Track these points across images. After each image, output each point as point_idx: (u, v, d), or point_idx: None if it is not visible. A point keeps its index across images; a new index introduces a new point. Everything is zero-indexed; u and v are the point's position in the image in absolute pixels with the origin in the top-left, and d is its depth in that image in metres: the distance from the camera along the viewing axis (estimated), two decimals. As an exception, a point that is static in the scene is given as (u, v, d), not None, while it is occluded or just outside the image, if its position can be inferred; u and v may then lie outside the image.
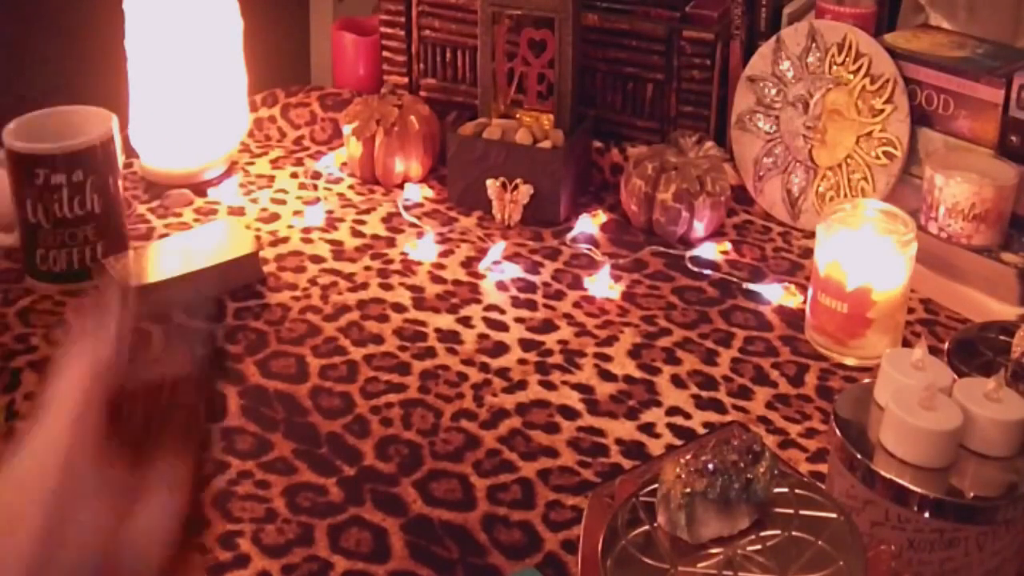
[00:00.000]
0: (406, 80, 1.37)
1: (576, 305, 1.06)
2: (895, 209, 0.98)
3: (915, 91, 1.12)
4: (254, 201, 1.24)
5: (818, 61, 1.16)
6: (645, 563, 0.57)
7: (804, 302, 1.03)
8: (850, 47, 1.14)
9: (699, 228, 1.16)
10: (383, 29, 1.37)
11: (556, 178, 1.18)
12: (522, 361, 0.98)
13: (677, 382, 0.96)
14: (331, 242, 1.16)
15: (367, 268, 1.11)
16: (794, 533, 0.59)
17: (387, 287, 1.08)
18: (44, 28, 1.80)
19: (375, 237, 1.17)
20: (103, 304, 0.57)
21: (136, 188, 1.25)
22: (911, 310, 1.04)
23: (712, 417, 0.92)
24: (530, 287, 1.09)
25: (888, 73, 1.12)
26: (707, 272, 1.12)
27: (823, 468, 0.81)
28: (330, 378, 0.95)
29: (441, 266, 1.12)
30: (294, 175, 1.30)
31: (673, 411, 0.92)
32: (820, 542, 0.58)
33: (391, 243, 1.16)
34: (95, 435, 0.51)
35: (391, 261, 1.13)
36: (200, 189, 1.25)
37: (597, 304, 1.06)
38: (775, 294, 1.08)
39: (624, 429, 0.90)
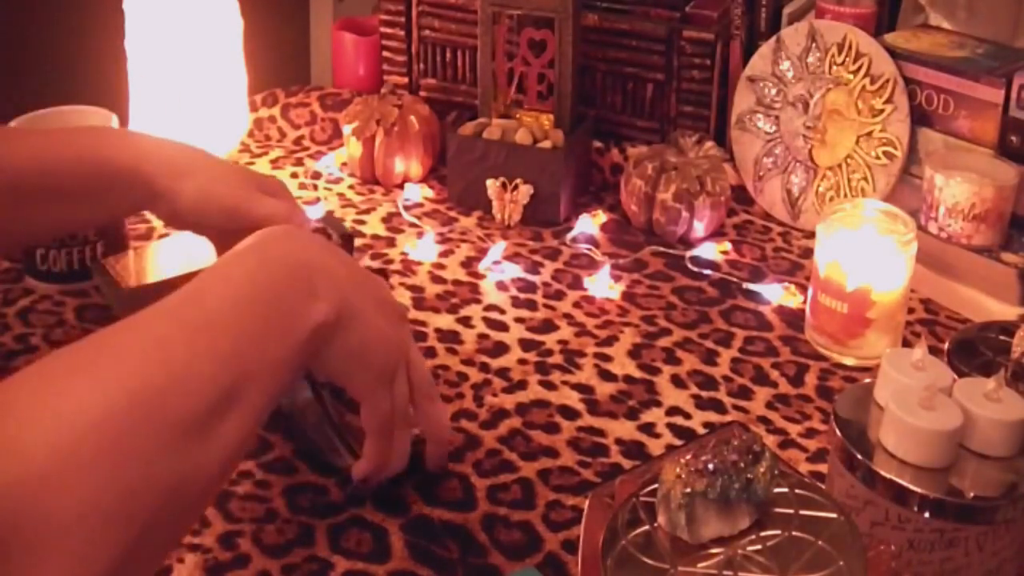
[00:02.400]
0: (406, 80, 1.38)
1: (576, 305, 1.06)
2: (895, 209, 0.98)
3: (915, 91, 1.12)
4: (254, 201, 1.24)
5: (818, 61, 1.16)
6: (645, 563, 0.57)
7: (804, 302, 1.03)
8: (850, 47, 1.14)
9: (699, 228, 1.16)
10: (383, 29, 1.37)
11: (556, 178, 1.18)
12: (522, 361, 0.98)
13: (677, 382, 0.96)
14: (331, 242, 1.16)
15: (367, 268, 1.11)
16: (794, 533, 0.59)
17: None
18: (44, 28, 1.80)
19: (375, 237, 1.17)
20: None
21: (136, 188, 1.25)
22: (911, 310, 1.04)
23: (712, 417, 0.92)
24: (530, 287, 1.09)
25: (888, 73, 1.12)
26: (707, 272, 1.12)
27: (823, 468, 0.81)
28: (330, 378, 0.95)
29: (441, 266, 1.12)
30: (294, 175, 1.30)
31: (673, 411, 0.92)
32: (820, 542, 0.58)
33: (391, 243, 1.16)
34: None
35: (391, 261, 1.13)
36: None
37: (597, 304, 1.06)
38: (775, 294, 1.08)
39: (624, 429, 0.90)
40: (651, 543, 0.59)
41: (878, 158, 1.14)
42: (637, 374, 0.96)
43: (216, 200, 0.88)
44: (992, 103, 1.07)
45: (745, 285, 1.09)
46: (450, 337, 1.01)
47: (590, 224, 1.19)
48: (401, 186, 1.27)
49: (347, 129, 1.28)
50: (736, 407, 0.93)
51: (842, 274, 0.96)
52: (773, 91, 1.19)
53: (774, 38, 1.19)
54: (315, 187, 1.27)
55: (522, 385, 0.95)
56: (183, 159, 0.89)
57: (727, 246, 1.16)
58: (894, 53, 1.13)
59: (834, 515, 0.60)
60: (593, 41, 1.26)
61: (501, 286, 1.09)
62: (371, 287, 0.74)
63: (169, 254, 1.09)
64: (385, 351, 0.73)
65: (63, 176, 0.85)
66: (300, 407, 0.84)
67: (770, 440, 0.88)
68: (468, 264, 1.12)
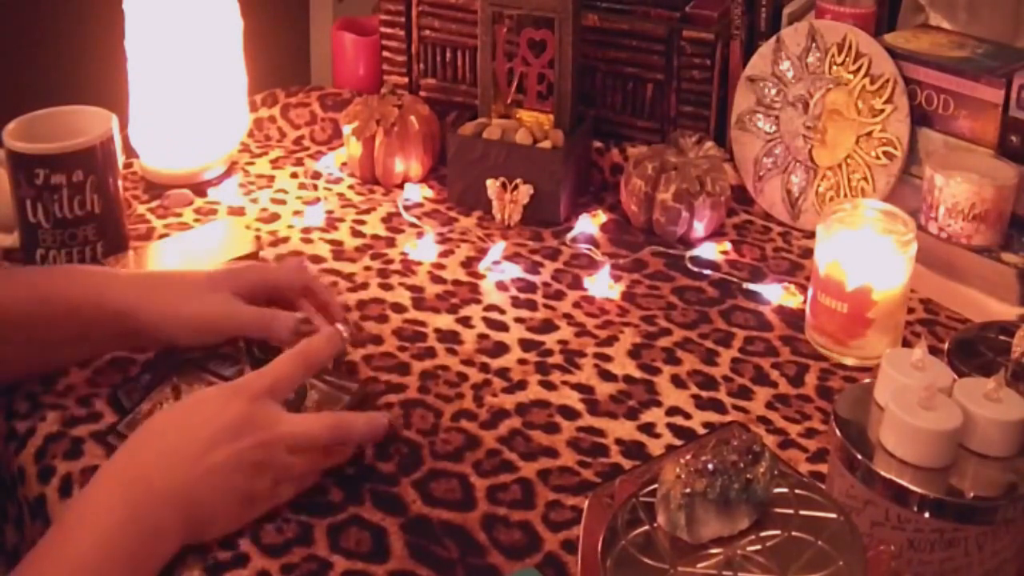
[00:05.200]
0: (406, 80, 1.38)
1: (576, 305, 1.06)
2: (895, 209, 0.98)
3: (915, 91, 1.12)
4: (254, 201, 1.24)
5: (818, 61, 1.16)
6: (645, 563, 0.57)
7: (804, 302, 1.03)
8: (850, 47, 1.14)
9: (699, 228, 1.16)
10: (383, 29, 1.37)
11: (556, 178, 1.18)
12: (522, 361, 0.98)
13: (677, 382, 0.96)
14: (331, 242, 1.16)
15: (367, 268, 1.11)
16: (794, 533, 0.59)
17: (387, 287, 1.08)
18: (44, 28, 1.80)
19: (375, 237, 1.17)
20: None
21: (136, 188, 1.25)
22: (911, 310, 1.04)
23: (712, 417, 0.92)
24: (530, 287, 1.09)
25: (888, 73, 1.12)
26: (707, 272, 1.12)
27: (823, 468, 0.81)
28: (330, 378, 0.95)
29: (441, 266, 1.12)
30: (294, 175, 1.30)
31: (673, 411, 0.92)
32: (820, 542, 0.58)
33: (391, 243, 1.16)
34: None
35: (391, 261, 1.13)
36: (200, 189, 1.25)
37: (597, 304, 1.06)
38: (775, 294, 1.08)
39: (624, 429, 0.90)
40: (651, 543, 0.58)
41: (878, 158, 1.14)
42: (637, 374, 0.96)
43: (205, 328, 0.90)
44: (992, 103, 1.07)
45: (745, 285, 1.09)
46: (450, 337, 1.01)
47: (590, 224, 1.19)
48: (401, 186, 1.27)
49: (347, 129, 1.28)
50: (736, 407, 0.93)
51: (842, 274, 0.96)
52: (773, 91, 1.19)
53: (774, 38, 1.19)
54: (315, 187, 1.27)
55: (522, 385, 0.95)
56: (165, 293, 0.90)
57: (727, 246, 1.16)
58: (894, 53, 1.13)
59: (834, 515, 0.60)
60: (593, 41, 1.26)
61: (501, 286, 1.09)
62: (222, 463, 0.74)
63: (169, 254, 1.09)
64: (251, 506, 0.77)
65: (46, 322, 0.87)
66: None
67: (770, 440, 0.88)
68: (468, 264, 1.12)
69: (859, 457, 0.68)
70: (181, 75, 1.22)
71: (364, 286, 1.08)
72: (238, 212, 1.22)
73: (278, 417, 0.77)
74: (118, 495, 0.71)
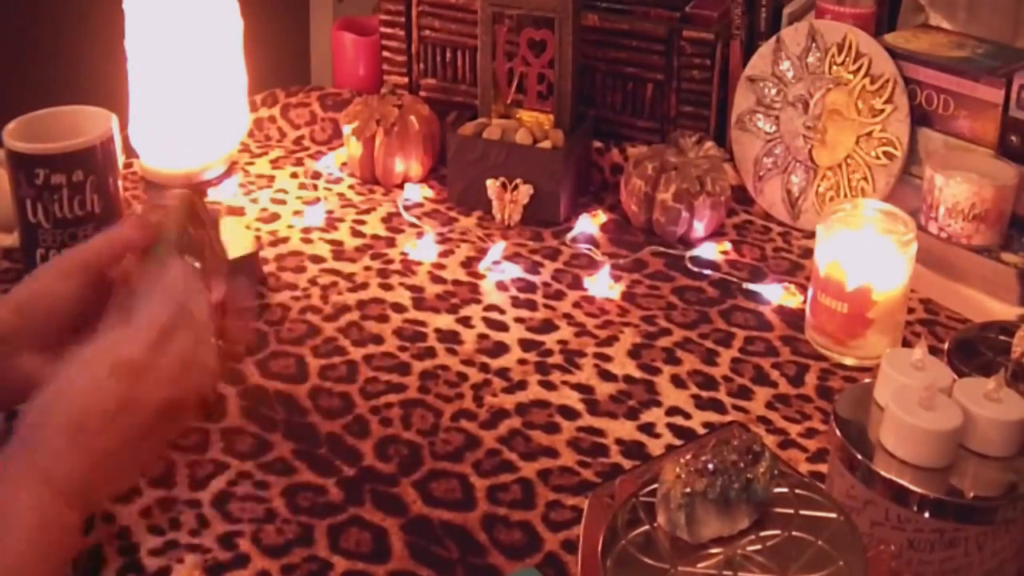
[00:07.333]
0: (406, 80, 1.38)
1: (576, 305, 1.06)
2: (895, 209, 0.98)
3: (915, 91, 1.12)
4: (254, 201, 1.24)
5: (818, 61, 1.16)
6: (645, 563, 0.57)
7: (804, 302, 1.03)
8: (850, 47, 1.14)
9: (699, 228, 1.16)
10: (383, 29, 1.37)
11: (556, 178, 1.18)
12: (522, 361, 0.98)
13: (677, 382, 0.96)
14: (331, 242, 1.16)
15: (367, 268, 1.11)
16: (794, 533, 0.59)
17: (387, 287, 1.08)
18: (44, 28, 1.80)
19: (375, 237, 1.17)
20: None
21: (136, 188, 1.25)
22: (911, 310, 1.04)
23: (712, 417, 0.92)
24: (530, 287, 1.09)
25: (888, 73, 1.12)
26: (707, 272, 1.12)
27: (823, 468, 0.81)
28: (330, 378, 0.95)
29: (441, 266, 1.12)
30: (294, 175, 1.30)
31: (673, 411, 0.92)
32: (820, 542, 0.58)
33: (391, 243, 1.16)
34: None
35: (391, 261, 1.13)
36: (200, 189, 1.25)
37: (597, 304, 1.06)
38: (775, 294, 1.08)
39: (624, 429, 0.90)
40: (651, 543, 0.58)
41: (878, 158, 1.14)
42: (637, 374, 0.96)
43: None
44: (992, 103, 1.07)
45: (745, 285, 1.09)
46: (450, 337, 1.01)
47: (590, 224, 1.19)
48: (401, 186, 1.27)
49: (347, 129, 1.28)
50: (736, 407, 0.93)
51: (842, 274, 0.96)
52: (773, 91, 1.19)
53: (774, 38, 1.18)
54: (315, 187, 1.27)
55: (522, 385, 0.95)
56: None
57: (727, 246, 1.16)
58: (894, 53, 1.13)
59: (834, 515, 0.60)
60: (593, 41, 1.26)
61: (501, 286, 1.09)
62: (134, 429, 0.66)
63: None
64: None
65: None
66: None
67: (770, 440, 0.88)
68: (468, 264, 1.12)
69: (859, 457, 0.68)
70: (181, 75, 1.22)
71: (364, 286, 1.08)
72: (238, 212, 1.22)
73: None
74: (24, 500, 0.64)
